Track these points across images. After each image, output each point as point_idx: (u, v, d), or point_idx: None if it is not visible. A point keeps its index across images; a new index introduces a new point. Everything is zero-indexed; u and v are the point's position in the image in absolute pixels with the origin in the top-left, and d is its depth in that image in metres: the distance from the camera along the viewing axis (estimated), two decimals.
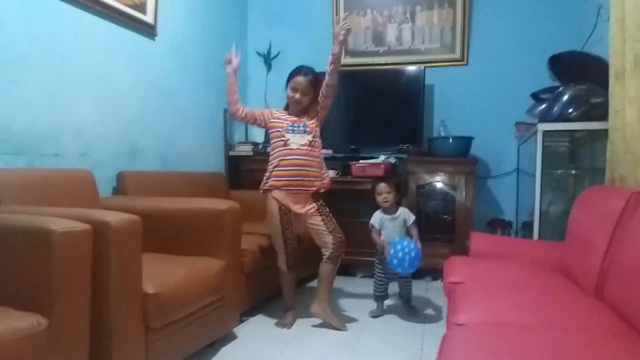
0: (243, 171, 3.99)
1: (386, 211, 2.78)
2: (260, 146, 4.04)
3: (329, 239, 2.53)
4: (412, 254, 2.49)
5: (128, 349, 1.64)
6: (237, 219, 2.31)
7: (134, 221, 1.67)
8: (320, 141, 2.60)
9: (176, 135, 3.36)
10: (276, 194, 2.52)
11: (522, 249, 2.39)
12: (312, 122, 2.56)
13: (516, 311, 1.49)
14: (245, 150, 3.97)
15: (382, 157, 3.62)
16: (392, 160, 3.65)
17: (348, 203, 3.68)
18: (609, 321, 1.44)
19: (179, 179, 3.10)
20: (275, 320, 2.61)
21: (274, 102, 4.16)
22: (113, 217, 1.60)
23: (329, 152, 3.82)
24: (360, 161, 3.62)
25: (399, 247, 2.51)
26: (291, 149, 2.50)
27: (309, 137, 2.52)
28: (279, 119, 2.59)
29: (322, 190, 2.59)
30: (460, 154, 3.51)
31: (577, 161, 3.13)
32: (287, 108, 2.66)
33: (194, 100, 3.57)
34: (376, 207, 2.83)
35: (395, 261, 2.49)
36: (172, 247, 2.22)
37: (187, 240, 2.24)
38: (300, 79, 2.52)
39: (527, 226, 3.15)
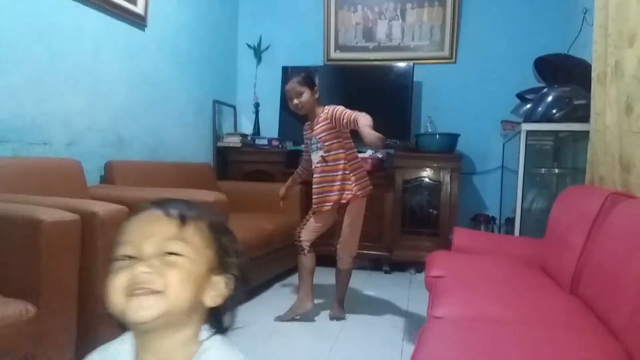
0: (231, 162, 4.01)
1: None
2: (249, 137, 4.07)
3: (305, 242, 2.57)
4: None
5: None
6: (223, 210, 2.34)
7: (121, 211, 1.69)
8: (337, 149, 2.49)
9: (164, 126, 3.36)
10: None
11: (503, 245, 2.45)
12: (323, 126, 2.48)
13: (493, 306, 1.54)
14: (234, 141, 3.98)
15: (369, 152, 3.66)
16: (380, 155, 3.70)
17: None
18: (582, 317, 1.50)
19: (167, 169, 3.11)
20: (261, 311, 2.64)
21: (263, 94, 4.20)
22: (101, 207, 1.62)
23: None
24: (350, 157, 3.64)
25: None
26: (315, 167, 2.56)
27: (321, 153, 2.48)
28: (306, 138, 2.65)
29: (344, 201, 2.50)
30: (446, 150, 3.56)
31: (560, 160, 3.20)
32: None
33: (183, 91, 3.58)
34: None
35: None
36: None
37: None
38: (288, 87, 2.52)
39: (510, 222, 3.22)
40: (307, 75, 2.55)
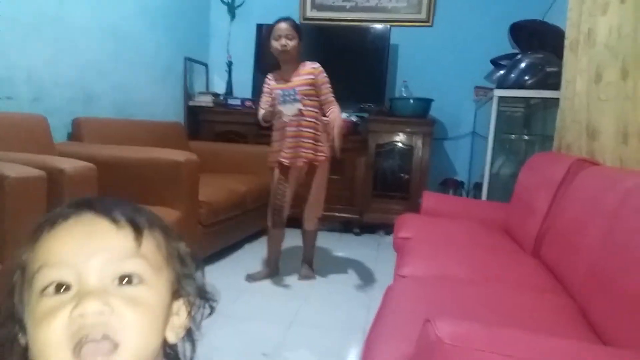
0: (202, 122, 3.95)
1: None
2: (221, 97, 3.99)
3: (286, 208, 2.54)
4: None
5: None
6: (194, 171, 2.32)
7: (89, 169, 1.66)
8: (313, 107, 2.44)
9: (134, 82, 3.27)
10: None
11: (470, 209, 2.51)
12: (306, 80, 2.43)
13: (458, 266, 1.59)
14: (206, 100, 3.91)
15: (343, 115, 3.63)
16: (354, 118, 3.69)
17: None
18: (542, 278, 1.56)
19: (136, 127, 3.04)
20: (231, 271, 2.67)
21: (236, 53, 4.10)
22: (68, 165, 1.59)
23: None
24: (323, 118, 3.63)
25: None
26: (284, 121, 2.43)
27: (299, 106, 2.39)
28: (275, 88, 2.47)
29: (316, 164, 2.49)
30: (419, 115, 3.58)
31: (530, 127, 3.25)
32: (277, 68, 2.52)
33: (153, 46, 3.46)
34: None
35: None
36: (128, 197, 2.19)
37: (144, 190, 2.24)
38: (281, 24, 2.39)
39: (478, 187, 3.29)
40: (299, 25, 2.49)
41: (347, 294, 2.44)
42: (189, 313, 0.57)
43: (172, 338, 0.54)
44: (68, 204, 0.53)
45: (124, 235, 0.50)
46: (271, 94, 2.49)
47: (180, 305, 0.56)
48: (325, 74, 2.46)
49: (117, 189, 2.22)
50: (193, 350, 0.59)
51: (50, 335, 0.45)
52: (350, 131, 3.61)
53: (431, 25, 3.94)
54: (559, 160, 2.02)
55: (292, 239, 2.85)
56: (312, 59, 2.53)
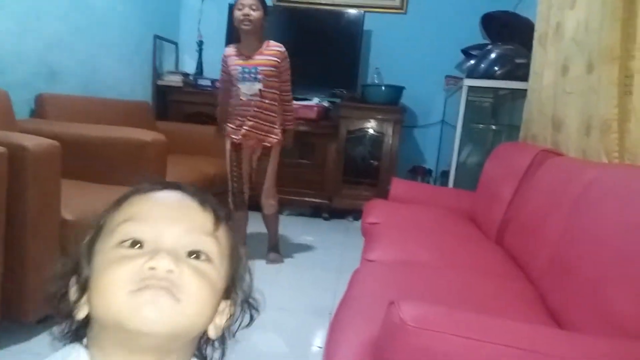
0: (171, 102, 3.86)
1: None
2: (191, 77, 3.92)
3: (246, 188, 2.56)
4: None
5: (44, 277, 1.62)
6: (161, 152, 2.27)
7: (53, 147, 1.61)
8: (274, 89, 2.42)
9: (100, 59, 3.17)
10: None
11: (437, 196, 2.55)
12: (270, 61, 2.36)
13: (423, 251, 1.62)
14: (175, 80, 3.82)
15: (315, 100, 3.63)
16: (326, 103, 3.68)
17: None
18: (504, 265, 1.60)
19: (103, 105, 2.96)
20: None
21: (207, 32, 4.02)
22: (31, 142, 1.53)
23: None
24: (294, 102, 3.61)
25: None
26: (241, 99, 2.38)
27: (260, 86, 2.34)
28: (233, 64, 2.39)
29: (268, 145, 2.47)
30: (391, 103, 3.59)
31: (498, 117, 3.32)
32: (238, 41, 2.44)
33: (121, 22, 3.35)
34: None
35: None
36: (93, 176, 2.16)
37: (110, 170, 2.18)
38: None
39: (446, 175, 3.34)
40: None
41: (315, 278, 2.45)
42: (232, 315, 0.58)
43: (212, 333, 0.55)
44: (152, 182, 0.57)
45: (206, 216, 0.54)
46: (229, 70, 2.41)
47: (226, 306, 0.57)
48: (288, 60, 2.41)
49: (82, 169, 2.17)
50: (223, 355, 0.60)
51: (118, 275, 0.47)
52: (322, 116, 3.61)
53: (405, 13, 3.95)
54: (524, 151, 2.06)
55: (257, 221, 2.83)
56: (284, 42, 2.49)
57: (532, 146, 2.16)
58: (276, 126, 2.47)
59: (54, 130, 2.08)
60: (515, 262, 1.66)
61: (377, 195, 3.38)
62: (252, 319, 0.62)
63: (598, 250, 1.07)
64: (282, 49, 2.41)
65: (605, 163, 1.48)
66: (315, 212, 3.77)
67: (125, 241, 0.50)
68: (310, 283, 2.38)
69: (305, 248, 2.96)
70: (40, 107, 2.53)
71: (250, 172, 2.54)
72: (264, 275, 2.40)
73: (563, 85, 1.98)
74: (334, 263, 2.70)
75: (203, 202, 0.55)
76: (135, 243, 0.50)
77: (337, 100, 3.71)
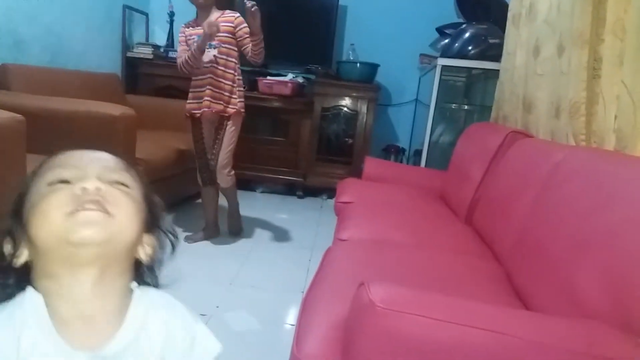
0: (142, 75, 3.76)
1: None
2: (162, 49, 3.81)
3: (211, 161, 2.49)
4: None
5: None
6: (131, 126, 2.22)
7: (17, 121, 1.56)
8: (230, 56, 2.37)
9: (67, 29, 3.05)
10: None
11: (409, 175, 2.57)
12: (225, 27, 2.31)
13: (395, 231, 1.63)
14: (145, 52, 3.71)
15: (290, 76, 3.59)
16: (300, 79, 3.64)
17: (252, 119, 3.64)
18: (472, 244, 1.64)
19: (69, 77, 2.86)
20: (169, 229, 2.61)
21: (178, 2, 3.89)
22: None
23: None
24: (268, 77, 3.57)
25: None
26: (197, 68, 2.32)
27: (214, 53, 2.31)
28: (190, 35, 2.34)
29: (226, 115, 2.41)
30: (365, 80, 3.58)
31: (470, 97, 3.35)
32: (197, 17, 2.40)
33: None
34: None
35: None
36: (60, 151, 2.10)
37: (77, 145, 2.12)
38: None
39: (418, 154, 3.37)
40: None
41: (288, 256, 2.46)
42: (156, 246, 0.67)
43: (143, 257, 0.64)
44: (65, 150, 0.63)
45: (118, 161, 0.63)
46: (187, 42, 2.35)
47: (148, 238, 0.65)
48: (246, 26, 2.33)
49: (48, 144, 2.09)
50: (156, 278, 0.71)
51: (54, 200, 0.54)
52: (296, 92, 3.58)
53: None
54: (495, 131, 2.09)
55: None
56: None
57: (502, 127, 2.19)
58: (235, 96, 2.40)
59: (18, 103, 2.01)
60: (483, 241, 1.69)
61: (351, 173, 3.39)
62: (173, 247, 0.72)
63: (563, 232, 1.09)
64: (237, 14, 2.36)
65: (573, 146, 1.51)
66: (289, 190, 3.77)
67: (53, 182, 0.57)
68: (284, 261, 2.39)
69: (278, 226, 2.96)
70: (4, 78, 2.42)
71: (213, 144, 2.48)
72: (236, 253, 2.40)
73: (534, 67, 2.00)
74: (307, 241, 2.72)
75: (111, 153, 0.64)
76: (63, 181, 0.57)
77: (312, 77, 3.68)
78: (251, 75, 3.67)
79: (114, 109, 2.18)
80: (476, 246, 1.62)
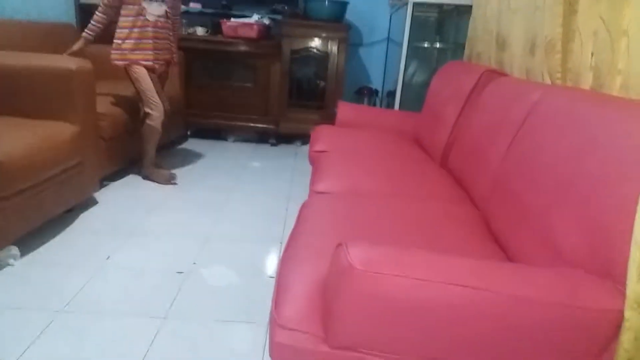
0: None
1: None
2: None
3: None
4: None
5: None
6: (89, 80, 2.10)
7: None
8: (176, 8, 2.55)
9: None
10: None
11: (384, 119, 2.53)
12: None
13: (371, 180, 1.61)
14: None
15: (255, 17, 3.43)
16: (266, 21, 3.48)
17: (217, 64, 3.51)
18: (449, 189, 1.63)
19: (19, 28, 2.65)
20: (139, 187, 2.55)
21: None
22: None
23: (197, 6, 3.52)
24: (232, 19, 3.40)
25: None
26: (148, 20, 2.37)
27: (166, 7, 2.41)
28: None
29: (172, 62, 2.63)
30: (335, 19, 3.44)
31: (443, 35, 3.26)
32: None
33: None
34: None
35: None
36: (17, 110, 1.98)
37: (34, 103, 2.01)
38: None
39: (392, 95, 3.31)
40: None
41: (264, 207, 2.43)
42: None
43: None
44: None
45: None
46: None
47: None
48: None
49: (3, 101, 1.97)
50: None
51: None
52: (263, 35, 3.43)
53: None
54: (470, 71, 2.04)
55: (209, 150, 2.74)
56: None
57: (477, 66, 2.14)
58: (174, 45, 2.59)
59: None
60: (460, 184, 1.68)
61: (324, 118, 3.33)
62: None
63: (540, 177, 1.08)
64: None
65: (549, 85, 1.48)
66: (262, 138, 3.69)
67: None
68: (260, 212, 2.36)
69: (253, 176, 2.91)
70: None
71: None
72: (211, 206, 2.37)
73: (508, 2, 1.94)
74: (283, 190, 2.68)
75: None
76: None
77: (278, 17, 3.52)
78: (214, 17, 3.50)
79: (70, 62, 2.04)
80: (453, 191, 1.61)
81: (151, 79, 2.45)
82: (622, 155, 0.86)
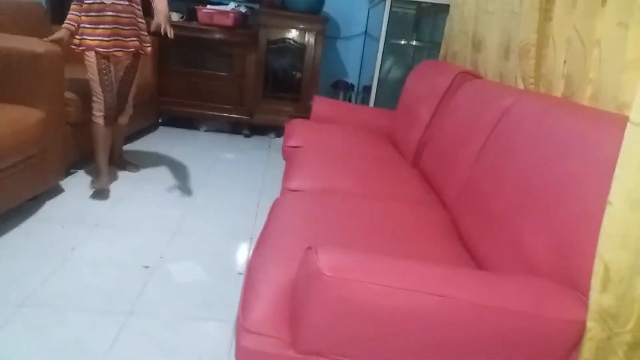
0: (68, 2, 3.41)
1: None
2: None
3: (129, 108, 2.46)
4: None
5: None
6: (57, 64, 2.03)
7: None
8: None
9: None
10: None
11: (358, 115, 2.53)
12: None
13: (343, 179, 1.60)
14: None
15: (232, 5, 3.37)
16: (243, 9, 3.43)
17: (192, 51, 3.44)
18: (419, 190, 1.63)
19: None
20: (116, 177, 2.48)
21: None
22: None
23: None
24: (208, 6, 3.33)
25: None
26: (104, 3, 2.14)
27: None
28: None
29: (142, 52, 2.35)
30: (312, 10, 3.41)
31: (419, 33, 3.27)
32: None
33: None
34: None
35: None
36: None
37: None
38: None
39: (367, 90, 3.30)
40: None
41: (235, 201, 2.39)
42: None
43: None
44: None
45: None
46: None
47: None
48: None
49: None
50: None
51: None
52: (239, 23, 3.38)
53: None
54: (445, 71, 2.05)
55: (180, 139, 2.69)
56: None
57: (452, 66, 2.15)
58: (144, 33, 2.33)
59: None
60: (430, 186, 1.69)
61: (299, 110, 3.31)
62: None
63: (509, 183, 1.09)
64: None
65: (522, 90, 1.50)
66: (236, 128, 3.65)
67: None
68: (231, 206, 2.33)
69: (225, 168, 2.87)
70: None
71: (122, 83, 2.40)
72: (179, 199, 2.32)
73: (485, 4, 1.95)
74: (255, 184, 2.65)
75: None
76: None
77: (255, 6, 3.47)
78: (190, 3, 3.43)
79: (37, 45, 1.97)
80: (424, 193, 1.62)
81: (105, 69, 2.22)
82: (589, 167, 0.87)
